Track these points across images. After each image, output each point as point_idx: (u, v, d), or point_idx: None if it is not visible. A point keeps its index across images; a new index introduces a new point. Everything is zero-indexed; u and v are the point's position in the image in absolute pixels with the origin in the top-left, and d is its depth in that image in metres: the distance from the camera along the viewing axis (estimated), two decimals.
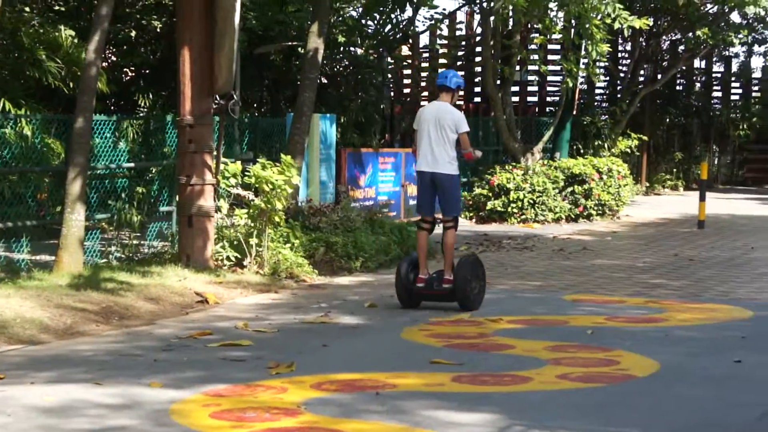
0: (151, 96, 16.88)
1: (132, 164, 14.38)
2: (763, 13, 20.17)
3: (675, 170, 26.43)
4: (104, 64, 14.90)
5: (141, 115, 15.86)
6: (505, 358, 8.50)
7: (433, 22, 23.00)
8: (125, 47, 16.93)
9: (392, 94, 21.88)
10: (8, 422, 6.38)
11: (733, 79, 28.60)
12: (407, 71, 23.58)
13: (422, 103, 21.37)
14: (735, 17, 22.04)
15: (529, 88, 23.95)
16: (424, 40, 24.34)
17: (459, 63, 24.21)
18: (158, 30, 16.69)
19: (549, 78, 22.17)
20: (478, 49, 22.09)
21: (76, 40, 14.20)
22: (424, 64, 24.11)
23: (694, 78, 27.70)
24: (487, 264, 13.26)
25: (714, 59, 27.32)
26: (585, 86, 23.68)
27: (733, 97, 28.97)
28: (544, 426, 6.24)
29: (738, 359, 7.62)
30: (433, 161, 9.82)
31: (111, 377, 7.56)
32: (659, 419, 6.48)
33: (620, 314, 10.84)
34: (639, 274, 14.02)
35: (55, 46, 14.09)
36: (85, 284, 10.32)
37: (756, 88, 28.75)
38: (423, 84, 22.93)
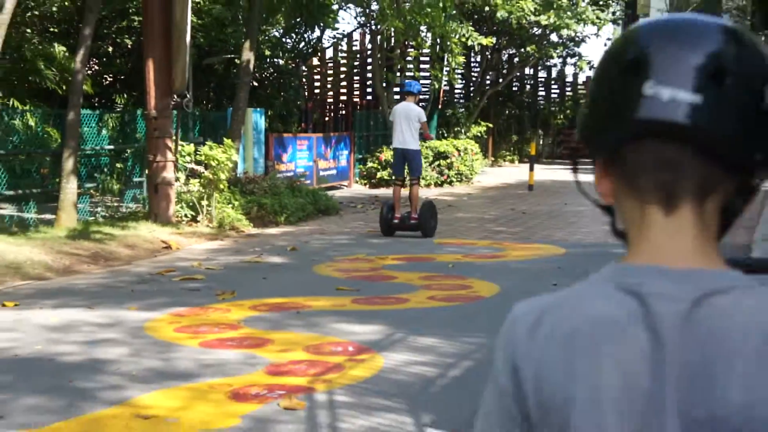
0: (125, 96, 20.48)
1: (112, 146, 16.64)
2: (573, 34, 26.54)
3: (512, 149, 32.98)
4: (89, 72, 17.48)
5: (118, 110, 18.77)
6: (390, 286, 10.42)
7: (335, 40, 27.84)
8: (105, 59, 20.44)
9: (306, 93, 26.50)
10: (22, 337, 8.03)
11: (552, 82, 36.04)
12: (317, 77, 28.55)
13: (328, 100, 26.81)
14: (554, 37, 28.48)
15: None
16: (329, 53, 28.78)
17: (355, 71, 28.68)
18: (129, 46, 19.92)
19: (421, 81, 26.30)
20: (369, 60, 26.56)
21: (67, 54, 16.82)
22: (329, 72, 28.81)
23: (525, 81, 34.92)
24: (373, 216, 16.38)
25: (539, 68, 34.23)
26: (447, 87, 28.50)
27: (552, 95, 36.32)
28: (418, 333, 8.08)
29: (555, 282, 9.49)
30: (404, 141, 13.80)
31: (100, 303, 9.31)
32: (499, 325, 8.89)
33: (473, 253, 13.21)
34: (487, 224, 17.02)
35: (51, 58, 16.85)
36: (79, 236, 12.57)
37: (569, 88, 36.66)
38: (329, 86, 28.26)
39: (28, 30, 18.39)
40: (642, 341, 1.11)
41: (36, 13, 18.94)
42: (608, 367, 1.10)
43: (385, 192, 21.83)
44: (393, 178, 14.93)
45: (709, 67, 1.10)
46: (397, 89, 25.10)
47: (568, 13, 24.68)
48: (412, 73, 25.83)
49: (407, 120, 13.73)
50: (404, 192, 14.70)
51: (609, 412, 1.09)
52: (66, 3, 19.28)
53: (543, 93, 35.40)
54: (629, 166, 1.15)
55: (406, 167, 14.44)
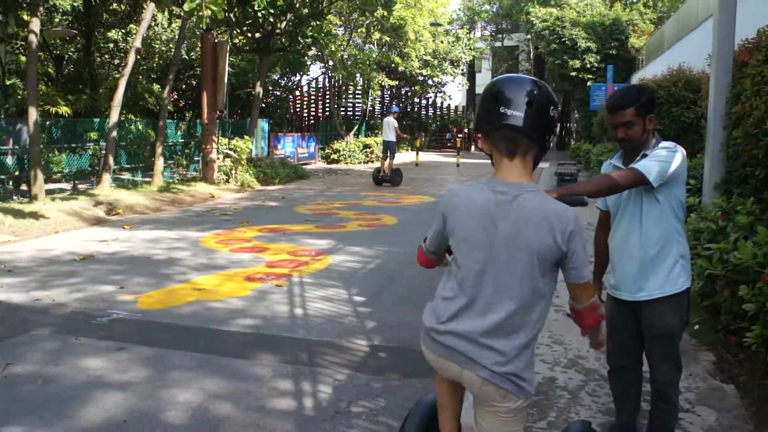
0: (191, 112, 27.16)
1: (182, 140, 21.26)
2: (439, 80, 38.54)
3: (407, 143, 40.03)
4: (171, 99, 22.29)
5: (186, 120, 24.30)
6: (336, 218, 13.22)
7: (308, 81, 36.36)
8: (180, 91, 27.17)
9: (291, 110, 34.83)
10: (134, 245, 10.19)
11: (429, 106, 45.18)
12: (298, 101, 36.67)
13: (305, 115, 36.05)
14: (430, 81, 38.05)
15: (349, 109, 37.25)
16: (305, 88, 37.09)
17: (321, 98, 36.74)
18: (193, 84, 26.68)
19: (355, 105, 36.93)
20: (328, 92, 34.98)
21: (160, 89, 22.36)
22: (305, 98, 37.32)
23: (415, 105, 43.07)
24: (328, 180, 21.04)
25: (422, 98, 42.76)
26: (371, 108, 36.16)
27: (429, 113, 45.75)
28: (351, 245, 10.33)
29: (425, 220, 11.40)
30: (387, 136, 20.42)
31: (175, 227, 12.06)
32: (398, 241, 10.80)
33: (383, 200, 16.27)
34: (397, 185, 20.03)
35: (151, 91, 22.78)
36: (163, 190, 16.26)
37: (438, 110, 46.44)
38: (305, 106, 37.45)
39: (140, 76, 24.11)
40: (491, 207, 2.41)
41: (144, 66, 25.24)
42: (474, 216, 2.45)
43: (337, 167, 28.59)
44: (381, 155, 20.59)
45: (527, 99, 2.39)
46: (343, 110, 35.24)
47: (437, 69, 35.52)
48: (351, 101, 36.15)
49: (389, 126, 20.05)
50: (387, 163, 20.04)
51: (472, 231, 2.43)
52: (160, 62, 25.50)
53: (424, 112, 45.03)
54: (495, 139, 2.46)
55: (389, 151, 19.81)
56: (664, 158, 3.29)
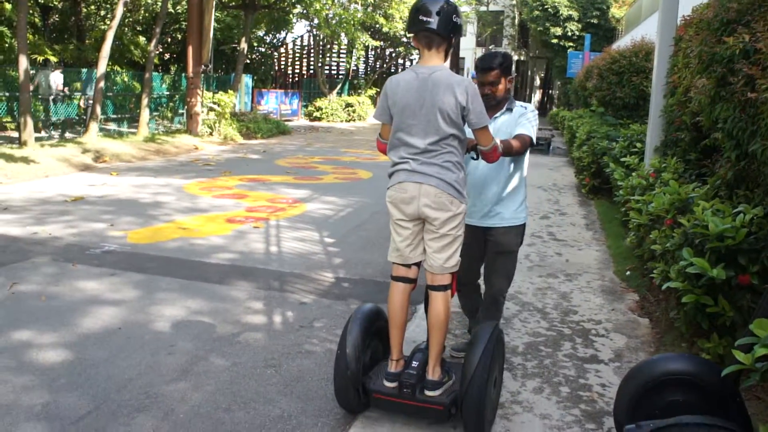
0: (176, 65, 27.81)
1: (168, 93, 21.64)
2: None
3: None
4: (157, 52, 22.72)
5: (172, 73, 24.59)
6: (314, 171, 13.89)
7: (293, 38, 36.96)
8: (166, 45, 27.79)
9: (276, 67, 35.49)
10: (122, 190, 10.86)
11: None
12: (282, 58, 37.16)
13: (289, 73, 37.32)
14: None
15: (332, 68, 37.65)
16: (290, 45, 37.65)
17: (305, 56, 37.18)
18: (179, 38, 27.41)
19: (341, 63, 37.23)
20: (312, 50, 35.90)
21: (146, 41, 23.41)
22: (289, 56, 37.93)
23: (397, 66, 40.75)
24: (310, 136, 21.95)
25: (405, 59, 40.82)
26: (355, 68, 36.47)
27: None
28: (326, 194, 11.06)
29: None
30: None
31: (160, 175, 12.62)
32: (372, 193, 11.65)
33: (362, 156, 17.33)
34: (371, 141, 21.16)
35: (137, 44, 23.67)
36: (149, 140, 16.88)
37: None
38: (289, 64, 37.76)
39: (126, 28, 24.43)
40: (414, 81, 3.54)
41: (130, 19, 25.58)
42: (404, 88, 3.54)
43: (318, 124, 29.60)
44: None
45: (437, 10, 3.50)
46: (327, 68, 36.09)
47: None
48: (335, 60, 36.64)
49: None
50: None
51: (405, 97, 3.53)
52: (146, 14, 26.08)
53: None
54: (419, 38, 3.62)
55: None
56: (535, 122, 4.16)
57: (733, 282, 3.75)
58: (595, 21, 28.69)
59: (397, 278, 3.65)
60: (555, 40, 29.13)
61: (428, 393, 3.55)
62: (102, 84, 16.65)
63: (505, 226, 4.28)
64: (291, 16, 29.77)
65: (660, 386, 3.01)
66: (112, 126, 19.03)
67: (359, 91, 36.25)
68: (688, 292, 3.85)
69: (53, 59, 18.65)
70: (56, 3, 24.15)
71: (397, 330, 3.67)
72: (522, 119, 4.17)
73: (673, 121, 6.63)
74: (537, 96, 44.29)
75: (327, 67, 36.71)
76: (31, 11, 22.42)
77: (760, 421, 3.35)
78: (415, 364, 3.63)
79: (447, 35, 3.50)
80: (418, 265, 3.65)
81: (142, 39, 24.46)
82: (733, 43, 4.07)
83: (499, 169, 4.16)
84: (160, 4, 21.65)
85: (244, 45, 23.14)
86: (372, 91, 36.40)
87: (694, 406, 2.84)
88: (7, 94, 16.40)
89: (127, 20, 24.85)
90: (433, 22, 3.44)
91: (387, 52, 38.55)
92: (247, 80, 26.79)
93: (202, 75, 20.29)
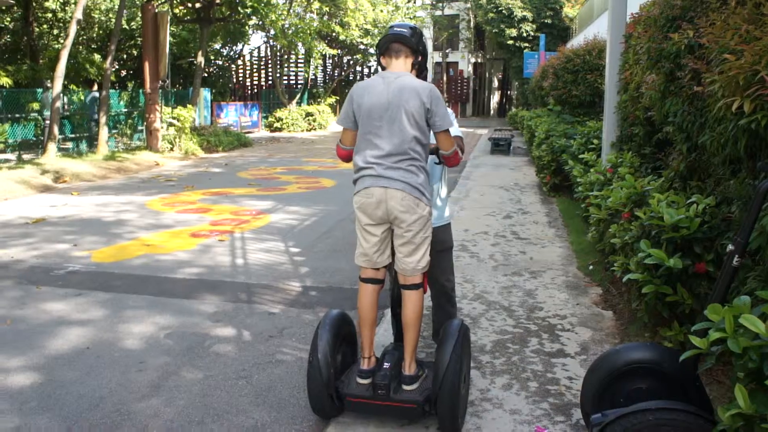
0: (133, 81, 27.31)
1: (126, 110, 21.22)
2: None
3: None
4: (113, 69, 21.98)
5: (129, 90, 24.23)
6: (277, 182, 13.98)
7: (250, 50, 36.99)
8: (121, 61, 27.19)
9: (234, 80, 35.60)
10: (84, 210, 10.66)
11: (373, 73, 40.84)
12: (240, 71, 37.53)
13: (247, 84, 37.43)
14: (371, 50, 37.11)
15: (291, 78, 37.55)
16: (247, 57, 37.69)
17: (263, 67, 37.36)
18: (135, 54, 26.54)
19: (299, 72, 37.19)
20: (270, 61, 35.99)
21: (101, 59, 22.82)
22: (247, 67, 38.23)
23: (356, 74, 41.39)
24: (271, 147, 21.43)
25: (363, 66, 41.31)
26: (314, 77, 36.50)
27: None
28: (290, 205, 11.09)
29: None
30: None
31: (122, 193, 12.50)
32: (336, 201, 11.63)
33: (324, 165, 17.17)
34: (332, 150, 18.71)
35: (92, 62, 23.06)
36: (109, 159, 16.62)
37: None
38: (247, 76, 38.19)
39: (80, 46, 24.13)
40: (380, 85, 3.73)
41: (84, 37, 25.17)
42: (370, 91, 3.72)
43: (279, 135, 29.27)
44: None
45: (411, 27, 3.86)
46: (285, 79, 36.33)
47: (378, 38, 32.51)
48: (293, 70, 36.94)
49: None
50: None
51: (371, 99, 3.71)
52: (100, 32, 25.48)
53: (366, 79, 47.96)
54: (390, 49, 3.90)
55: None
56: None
57: (690, 270, 3.86)
58: (549, 21, 29.16)
59: (365, 280, 3.78)
60: (511, 42, 29.50)
61: (406, 387, 3.68)
62: (58, 104, 16.50)
63: (442, 225, 4.44)
64: (247, 27, 29.66)
65: (623, 375, 3.06)
66: (70, 145, 18.90)
67: (319, 100, 36.60)
68: (647, 282, 3.96)
69: (8, 81, 18.16)
70: (7, 23, 23.70)
71: (368, 329, 3.77)
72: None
73: (627, 117, 6.80)
74: (496, 97, 44.69)
75: (285, 78, 37.06)
76: None
77: (720, 403, 3.44)
78: (386, 365, 3.71)
79: (416, 49, 3.84)
80: (387, 266, 3.74)
81: (97, 56, 24.24)
82: (678, 39, 4.20)
83: (439, 169, 4.41)
84: (114, 20, 21.45)
85: (201, 59, 22.95)
86: (331, 100, 36.81)
87: (657, 393, 2.93)
88: None
89: (81, 38, 24.72)
90: (407, 33, 3.84)
91: (345, 60, 38.89)
92: (205, 94, 26.64)
93: (160, 90, 20.09)
